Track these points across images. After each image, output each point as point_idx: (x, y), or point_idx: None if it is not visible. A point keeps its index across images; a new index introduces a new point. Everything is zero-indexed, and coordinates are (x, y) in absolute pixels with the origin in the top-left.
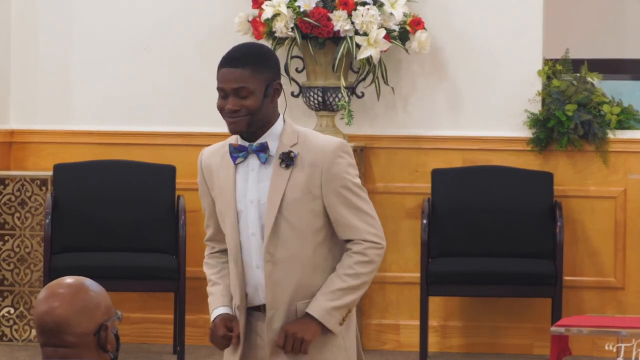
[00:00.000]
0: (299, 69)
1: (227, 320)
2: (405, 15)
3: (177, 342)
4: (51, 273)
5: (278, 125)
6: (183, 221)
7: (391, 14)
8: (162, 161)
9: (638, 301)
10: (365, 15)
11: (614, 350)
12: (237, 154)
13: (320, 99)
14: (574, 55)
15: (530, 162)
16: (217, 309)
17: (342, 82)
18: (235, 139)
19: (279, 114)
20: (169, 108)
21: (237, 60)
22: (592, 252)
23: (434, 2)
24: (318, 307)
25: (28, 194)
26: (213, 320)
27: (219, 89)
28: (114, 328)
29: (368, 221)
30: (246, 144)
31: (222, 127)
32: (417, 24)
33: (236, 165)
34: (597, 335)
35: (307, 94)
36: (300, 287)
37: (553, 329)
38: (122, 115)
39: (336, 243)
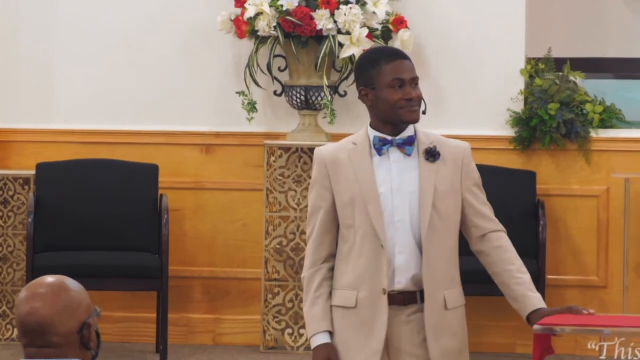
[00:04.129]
0: (282, 67)
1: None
2: (387, 14)
3: (159, 341)
4: (34, 272)
5: (411, 125)
6: (166, 220)
7: (374, 12)
8: (145, 160)
9: (620, 299)
10: (348, 14)
11: (597, 348)
12: (381, 145)
13: (302, 97)
14: (556, 54)
15: (513, 161)
16: (319, 335)
17: (325, 81)
18: (364, 135)
19: None
20: (152, 107)
21: (404, 54)
22: (574, 250)
23: (416, 1)
24: (542, 301)
25: (10, 193)
26: (317, 349)
27: (397, 79)
28: (94, 325)
29: (494, 216)
30: (388, 137)
31: (205, 125)
32: (400, 22)
33: (380, 156)
34: (580, 333)
35: (290, 93)
36: (446, 275)
37: (536, 327)
38: (105, 114)
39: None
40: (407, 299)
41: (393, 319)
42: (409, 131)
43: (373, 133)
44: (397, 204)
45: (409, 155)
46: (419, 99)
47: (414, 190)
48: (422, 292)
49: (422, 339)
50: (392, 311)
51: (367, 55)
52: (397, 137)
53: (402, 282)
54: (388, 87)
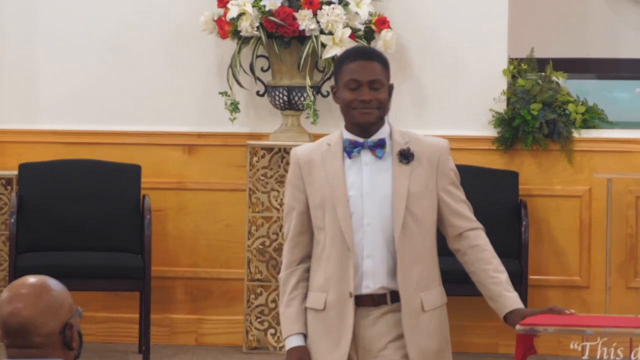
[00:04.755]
0: (264, 68)
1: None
2: (370, 14)
3: (142, 341)
4: (16, 272)
5: (387, 126)
6: (148, 220)
7: (356, 13)
8: (128, 160)
9: (603, 300)
10: (331, 15)
11: (579, 349)
12: (352, 148)
13: (285, 98)
14: (539, 54)
15: (496, 161)
16: (292, 337)
17: (308, 82)
18: (338, 136)
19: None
20: (135, 107)
21: (369, 54)
22: (557, 251)
23: (399, 2)
24: (519, 301)
25: None
26: (290, 351)
27: (352, 80)
28: (77, 325)
29: (472, 214)
30: (360, 139)
31: (188, 126)
32: (383, 23)
33: (350, 159)
34: (563, 334)
35: (273, 93)
36: (422, 277)
37: (518, 327)
38: (88, 115)
39: (436, 236)
40: (376, 301)
41: (361, 320)
42: (381, 133)
43: (346, 135)
44: (367, 207)
45: (380, 158)
46: (377, 101)
47: (387, 193)
48: (392, 293)
49: (390, 339)
50: (361, 312)
51: (340, 54)
52: (369, 140)
53: (370, 287)
54: (345, 87)
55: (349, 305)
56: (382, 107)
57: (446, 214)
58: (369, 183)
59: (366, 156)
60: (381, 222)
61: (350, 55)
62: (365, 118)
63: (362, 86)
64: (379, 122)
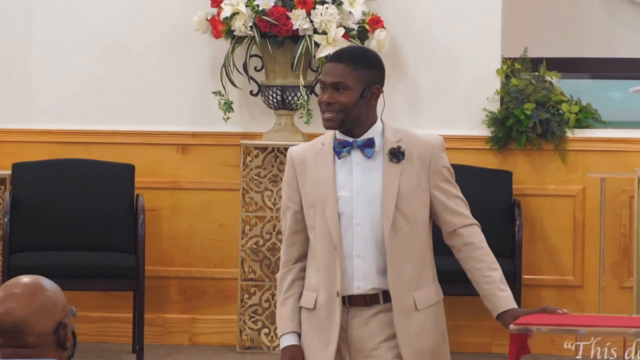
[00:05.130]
0: (258, 67)
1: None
2: (364, 14)
3: (136, 341)
4: (9, 272)
5: (379, 124)
6: (142, 220)
7: (350, 12)
8: (121, 160)
9: (596, 299)
10: (324, 14)
11: (573, 348)
12: (341, 148)
13: (279, 97)
14: (532, 54)
15: (489, 161)
16: (285, 336)
17: (301, 81)
18: (332, 136)
19: (377, 116)
20: (128, 107)
21: (341, 56)
22: (550, 250)
23: (392, 1)
24: (512, 300)
25: None
26: (284, 350)
27: (321, 81)
28: (70, 325)
29: (467, 210)
30: (350, 139)
31: (181, 125)
32: (376, 22)
33: (339, 159)
34: (556, 333)
35: (266, 93)
36: (414, 277)
37: (512, 327)
38: (81, 114)
39: (431, 233)
40: (369, 301)
41: (353, 320)
42: (371, 132)
43: (337, 135)
44: (357, 207)
45: (369, 157)
46: (339, 104)
47: (377, 192)
48: (384, 292)
49: (382, 339)
50: (354, 312)
51: None
52: (358, 140)
53: (361, 287)
54: (319, 88)
55: (337, 304)
56: (346, 111)
57: (439, 211)
58: (359, 183)
59: (356, 156)
60: (370, 222)
61: (329, 56)
62: (327, 123)
63: (326, 88)
64: (345, 125)
